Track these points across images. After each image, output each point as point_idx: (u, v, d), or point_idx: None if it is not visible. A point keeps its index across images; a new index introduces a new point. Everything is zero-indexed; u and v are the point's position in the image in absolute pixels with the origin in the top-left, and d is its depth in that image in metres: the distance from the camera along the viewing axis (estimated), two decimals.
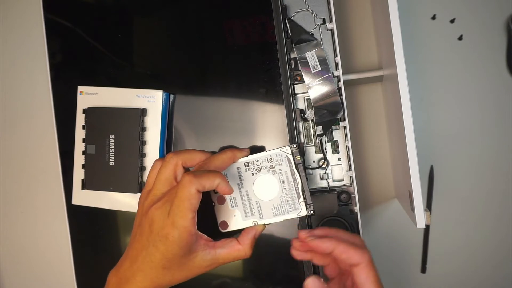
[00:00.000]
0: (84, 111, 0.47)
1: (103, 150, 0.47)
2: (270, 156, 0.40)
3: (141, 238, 0.38)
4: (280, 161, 0.40)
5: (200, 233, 0.38)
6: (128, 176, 0.46)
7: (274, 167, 0.40)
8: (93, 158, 0.47)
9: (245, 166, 0.40)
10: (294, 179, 0.40)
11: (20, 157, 0.63)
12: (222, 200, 0.40)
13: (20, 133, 0.63)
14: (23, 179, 0.64)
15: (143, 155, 0.46)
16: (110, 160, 0.47)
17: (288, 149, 0.40)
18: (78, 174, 0.50)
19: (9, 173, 0.64)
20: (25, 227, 0.63)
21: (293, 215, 0.39)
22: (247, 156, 0.41)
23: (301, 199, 0.39)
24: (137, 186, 0.46)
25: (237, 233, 0.40)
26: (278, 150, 0.40)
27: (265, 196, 0.40)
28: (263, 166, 0.40)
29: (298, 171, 0.40)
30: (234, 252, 0.39)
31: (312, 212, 0.39)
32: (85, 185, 0.48)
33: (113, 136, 0.46)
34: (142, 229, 0.38)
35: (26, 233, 0.63)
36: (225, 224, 0.41)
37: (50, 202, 0.63)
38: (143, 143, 0.46)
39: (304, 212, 0.39)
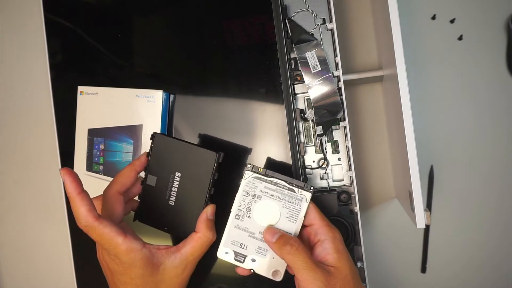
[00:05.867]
0: (152, 136, 0.42)
1: (165, 185, 0.42)
2: (244, 190, 0.39)
3: (110, 281, 0.39)
4: (253, 185, 0.39)
5: (154, 245, 0.38)
6: (186, 222, 0.42)
7: (255, 194, 0.39)
8: (152, 191, 0.42)
9: (238, 219, 0.39)
10: (275, 184, 0.39)
11: (20, 157, 0.63)
12: (254, 261, 0.39)
13: (20, 133, 0.63)
14: (23, 179, 0.64)
15: (207, 203, 0.42)
16: (171, 199, 0.42)
17: (248, 173, 0.39)
18: (78, 173, 0.50)
19: (9, 173, 0.64)
20: (25, 227, 0.63)
21: (305, 205, 0.39)
22: (144, 161, 0.42)
23: (296, 189, 0.39)
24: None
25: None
26: (244, 181, 0.39)
27: (274, 219, 0.39)
28: (248, 203, 0.39)
29: (271, 176, 0.39)
30: (196, 242, 0.39)
31: (312, 188, 0.39)
32: (137, 216, 0.44)
33: (179, 174, 0.41)
34: (107, 275, 0.39)
35: (26, 233, 0.63)
36: (277, 273, 0.39)
37: (50, 203, 0.63)
38: (211, 190, 0.42)
39: (309, 195, 0.39)
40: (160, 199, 0.42)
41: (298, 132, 0.47)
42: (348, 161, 0.47)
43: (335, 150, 0.48)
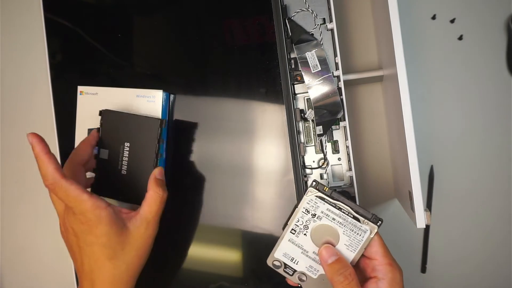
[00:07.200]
0: (100, 112, 0.45)
1: (116, 156, 0.44)
2: (304, 208, 0.38)
3: (76, 249, 0.39)
4: (315, 205, 0.38)
5: (117, 207, 0.39)
6: (139, 188, 0.43)
7: (316, 214, 0.38)
8: (105, 164, 0.44)
9: (293, 233, 0.38)
10: (340, 208, 0.38)
11: (20, 157, 0.63)
12: (303, 277, 0.39)
13: (20, 133, 0.63)
14: (23, 179, 0.63)
15: (156, 167, 0.44)
16: (123, 168, 0.44)
17: (312, 190, 0.38)
18: None
19: (9, 173, 0.64)
20: (25, 227, 0.63)
21: (368, 237, 0.37)
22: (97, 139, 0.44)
23: (361, 219, 0.37)
24: None
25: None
26: (306, 197, 0.38)
27: (334, 243, 0.38)
28: (307, 221, 0.38)
29: (336, 199, 0.38)
30: (149, 200, 0.40)
31: (380, 222, 0.37)
32: (94, 190, 0.45)
33: (128, 144, 0.44)
34: (72, 243, 0.39)
35: (26, 233, 0.63)
36: None
37: (51, 203, 0.62)
38: (157, 155, 0.44)
39: (374, 228, 0.37)
40: (113, 170, 0.44)
41: (298, 132, 0.47)
42: (348, 161, 0.47)
43: (335, 150, 0.48)
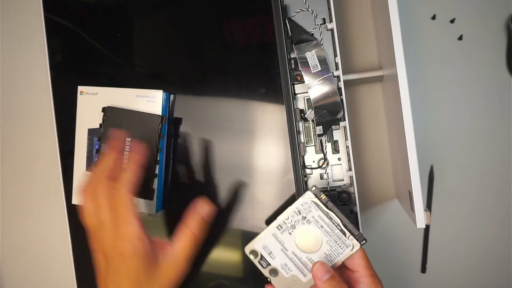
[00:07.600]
0: (103, 109, 0.46)
1: None
2: (297, 208, 0.39)
3: (103, 271, 0.38)
4: (308, 208, 0.39)
5: (153, 239, 0.38)
6: (140, 182, 0.44)
7: (306, 217, 0.39)
8: None
9: (279, 229, 0.39)
10: (330, 218, 0.39)
11: (20, 157, 0.63)
12: (275, 272, 0.39)
13: (20, 133, 0.63)
14: (23, 179, 0.63)
15: (156, 162, 0.46)
16: (123, 162, 0.45)
17: (309, 194, 0.39)
18: (78, 174, 0.50)
19: (9, 173, 0.64)
20: (25, 227, 0.63)
21: (348, 253, 0.38)
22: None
23: (348, 234, 0.38)
24: (150, 191, 0.45)
25: None
26: (302, 199, 0.39)
27: (313, 248, 0.39)
28: (295, 221, 0.39)
29: (330, 209, 0.39)
30: (187, 239, 0.38)
31: (364, 241, 0.38)
32: None
33: (129, 139, 0.45)
34: (100, 263, 0.38)
35: (26, 233, 0.63)
36: None
37: (50, 202, 0.62)
38: (158, 150, 0.45)
39: (357, 245, 0.38)
40: None
41: (298, 132, 0.47)
42: (348, 161, 0.47)
43: (335, 150, 0.48)
